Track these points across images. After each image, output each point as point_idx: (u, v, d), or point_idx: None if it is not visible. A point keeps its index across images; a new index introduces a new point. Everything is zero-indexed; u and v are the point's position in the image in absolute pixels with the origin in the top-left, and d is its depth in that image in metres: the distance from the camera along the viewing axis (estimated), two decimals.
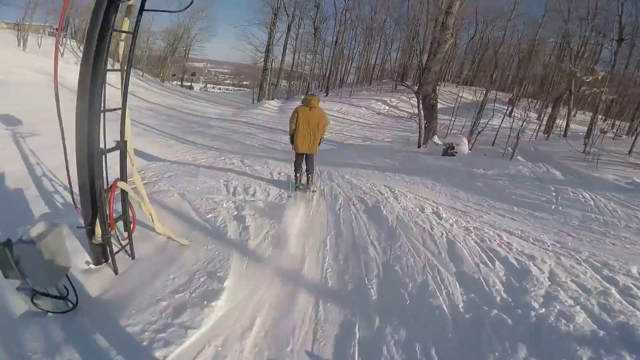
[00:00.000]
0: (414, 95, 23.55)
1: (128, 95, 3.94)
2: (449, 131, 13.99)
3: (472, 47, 36.59)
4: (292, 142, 6.43)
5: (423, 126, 12.40)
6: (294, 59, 36.31)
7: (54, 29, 38.37)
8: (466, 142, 10.58)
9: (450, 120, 14.20)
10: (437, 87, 26.14)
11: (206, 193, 6.48)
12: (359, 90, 28.82)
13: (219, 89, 65.22)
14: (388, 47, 37.39)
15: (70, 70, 24.32)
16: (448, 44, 13.45)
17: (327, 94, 28.47)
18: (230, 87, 65.20)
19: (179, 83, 46.67)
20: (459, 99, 15.66)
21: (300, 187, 6.60)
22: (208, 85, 68.30)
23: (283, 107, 23.95)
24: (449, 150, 10.20)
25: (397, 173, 8.49)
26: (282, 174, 8.28)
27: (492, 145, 12.26)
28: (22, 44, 28.34)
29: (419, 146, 12.44)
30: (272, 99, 26.75)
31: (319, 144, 6.52)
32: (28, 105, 15.14)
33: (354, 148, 13.48)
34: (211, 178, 7.51)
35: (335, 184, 7.50)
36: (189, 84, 48.35)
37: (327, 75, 33.11)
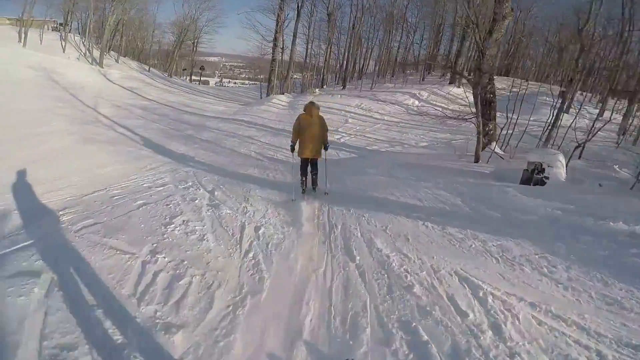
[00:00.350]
0: (458, 88, 19.84)
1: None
2: (510, 132, 9.88)
3: (505, 35, 31.79)
4: (292, 150, 6.37)
5: (481, 130, 8.45)
6: (307, 50, 32.40)
7: (57, 24, 36.46)
8: (563, 161, 6.47)
9: (509, 117, 9.94)
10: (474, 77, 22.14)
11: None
12: (381, 82, 24.66)
13: (234, 83, 62.02)
14: (411, 35, 33.04)
15: (70, 67, 21.78)
16: (508, 20, 9.46)
17: (344, 87, 24.49)
18: (246, 81, 61.64)
19: (187, 78, 43.34)
20: (524, 89, 11.40)
21: (305, 188, 6.31)
22: (224, 80, 65.39)
23: (293, 103, 20.16)
24: (535, 175, 6.24)
25: (470, 228, 4.66)
26: (262, 230, 4.64)
27: (580, 158, 8.20)
28: (22, 40, 26.66)
29: (477, 160, 8.49)
30: (282, 94, 22.92)
31: (325, 149, 6.34)
32: (8, 106, 13.10)
33: (381, 160, 9.69)
34: (131, 243, 4.17)
35: (355, 269, 3.72)
36: (198, 78, 44.98)
37: (344, 66, 29.00)
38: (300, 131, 6.06)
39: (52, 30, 34.75)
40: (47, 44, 28.68)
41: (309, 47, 32.36)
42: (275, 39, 23.37)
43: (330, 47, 29.19)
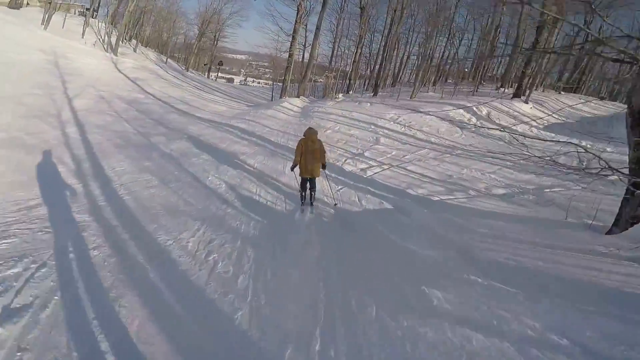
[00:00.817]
0: (526, 103, 14.84)
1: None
2: None
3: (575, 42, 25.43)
4: (292, 170, 6.52)
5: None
6: (333, 50, 27.72)
7: (84, 8, 34.20)
8: None
9: None
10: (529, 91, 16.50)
11: None
12: (423, 91, 19.44)
13: (258, 82, 57.98)
14: (457, 39, 27.64)
15: (81, 52, 21.93)
16: None
17: (375, 94, 19.66)
18: (270, 82, 57.52)
19: (206, 73, 39.49)
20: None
21: (304, 201, 6.36)
22: (249, 79, 61.57)
23: (308, 110, 15.72)
24: None
25: None
26: None
27: None
28: (45, 23, 24.74)
29: None
30: (298, 97, 18.23)
31: (323, 168, 6.49)
32: None
33: (442, 233, 5.05)
34: None
35: None
36: (217, 73, 40.98)
37: (376, 70, 24.05)
38: (303, 154, 6.26)
39: (79, 14, 32.75)
40: (69, 28, 26.59)
41: (336, 46, 27.79)
42: (294, 31, 18.71)
43: (361, 48, 24.49)
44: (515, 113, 13.56)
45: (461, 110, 13.77)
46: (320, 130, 11.32)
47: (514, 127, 12.18)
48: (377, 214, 5.97)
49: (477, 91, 18.36)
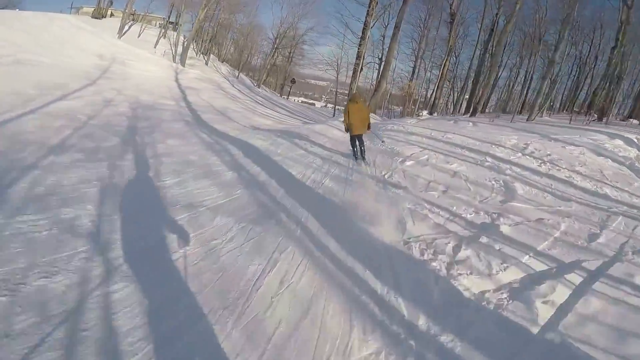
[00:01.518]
0: None
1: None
2: None
3: None
4: (346, 130, 6.89)
5: None
6: (415, 68, 22.59)
7: (165, 20, 33.32)
8: None
9: None
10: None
11: None
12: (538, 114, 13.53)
13: (338, 108, 55.87)
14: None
15: (145, 60, 20.44)
16: None
17: (473, 114, 13.97)
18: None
19: (279, 92, 36.69)
20: None
21: (357, 156, 6.80)
22: (329, 105, 60.31)
23: (376, 128, 9.81)
24: None
25: None
26: None
27: None
28: (120, 32, 24.19)
29: None
30: None
31: (368, 129, 6.88)
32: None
33: None
34: None
35: None
36: (289, 91, 38.26)
37: (472, 90, 18.47)
38: (350, 116, 6.60)
39: (159, 26, 32.15)
40: (145, 38, 25.93)
41: (417, 64, 22.64)
42: (365, 26, 13.76)
43: (448, 60, 19.18)
44: None
45: (619, 141, 7.83)
46: (395, 161, 6.31)
47: None
48: None
49: (604, 120, 12.71)
